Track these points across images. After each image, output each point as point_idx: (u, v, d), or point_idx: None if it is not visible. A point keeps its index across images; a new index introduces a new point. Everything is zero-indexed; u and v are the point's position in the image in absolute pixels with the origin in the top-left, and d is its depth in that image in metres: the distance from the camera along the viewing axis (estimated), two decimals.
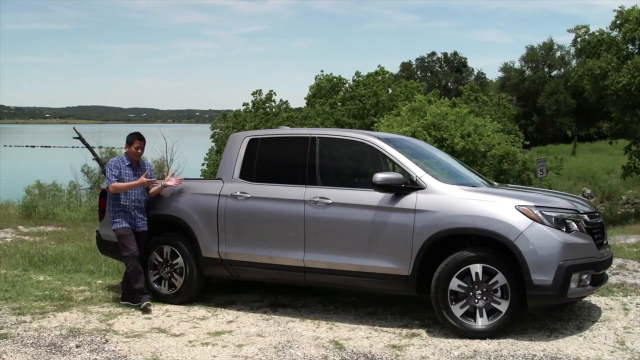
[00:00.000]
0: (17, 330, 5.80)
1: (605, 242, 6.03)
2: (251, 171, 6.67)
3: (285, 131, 7.49)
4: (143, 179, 6.73)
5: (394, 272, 5.85)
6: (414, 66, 69.92)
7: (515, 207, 5.55)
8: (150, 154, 25.47)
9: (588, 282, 5.64)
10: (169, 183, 6.88)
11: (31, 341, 5.49)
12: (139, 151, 6.89)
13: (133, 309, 6.60)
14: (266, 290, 7.29)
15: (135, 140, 6.88)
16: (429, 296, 5.78)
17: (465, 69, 68.83)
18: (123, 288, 6.86)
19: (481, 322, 5.57)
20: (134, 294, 6.65)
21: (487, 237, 5.58)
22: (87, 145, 22.58)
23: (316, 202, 6.17)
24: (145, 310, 6.45)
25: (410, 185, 5.89)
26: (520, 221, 5.47)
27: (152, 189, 6.90)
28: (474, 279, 5.58)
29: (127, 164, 6.82)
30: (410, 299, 6.66)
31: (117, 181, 6.69)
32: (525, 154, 26.35)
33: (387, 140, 6.42)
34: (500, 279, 5.52)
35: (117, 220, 6.68)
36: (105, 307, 6.71)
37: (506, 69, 67.50)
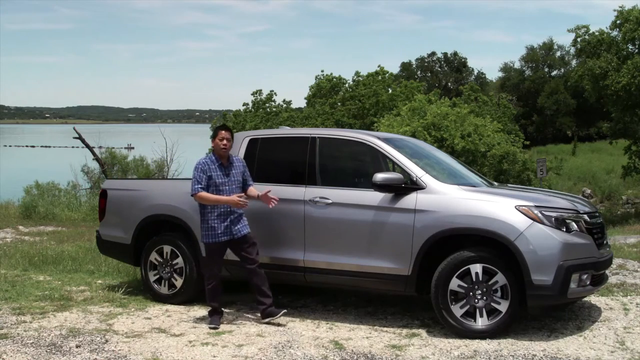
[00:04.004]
0: (17, 330, 5.80)
1: (605, 242, 6.02)
2: (251, 171, 6.65)
3: (285, 131, 7.49)
4: (234, 198, 5.90)
5: (394, 272, 5.85)
6: (414, 66, 69.90)
7: (515, 207, 5.55)
8: (150, 154, 25.52)
9: (588, 282, 5.64)
10: (264, 199, 6.13)
11: (31, 341, 5.48)
12: (225, 142, 6.08)
13: (133, 309, 6.60)
14: None
15: (220, 130, 6.13)
16: (429, 296, 5.78)
17: (465, 69, 68.82)
18: (258, 304, 6.21)
19: (481, 322, 5.57)
20: (271, 306, 6.09)
21: (487, 237, 5.58)
22: (87, 145, 22.62)
23: (316, 202, 6.17)
24: (213, 327, 5.95)
25: (410, 185, 5.90)
26: (520, 221, 5.47)
27: (249, 192, 6.20)
28: (474, 279, 5.58)
29: (217, 163, 6.10)
30: (410, 299, 6.66)
31: (203, 190, 5.97)
32: (525, 154, 26.34)
33: (387, 140, 6.42)
34: (500, 279, 5.52)
35: (207, 232, 6.03)
36: (105, 307, 6.70)
37: (506, 69, 67.52)
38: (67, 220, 14.80)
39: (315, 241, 6.17)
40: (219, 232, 6.02)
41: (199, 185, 5.99)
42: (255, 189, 6.24)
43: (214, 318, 6.08)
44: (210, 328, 5.95)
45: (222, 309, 6.24)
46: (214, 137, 6.16)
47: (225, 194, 6.01)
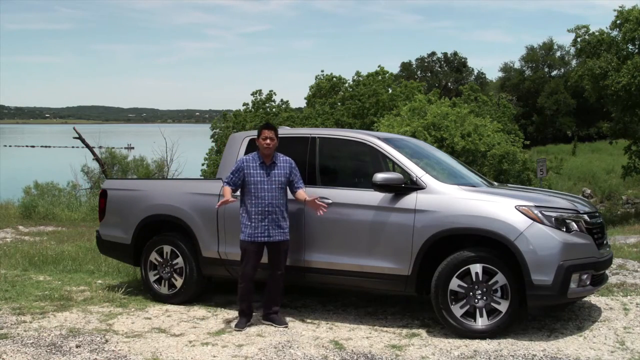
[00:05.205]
0: (17, 330, 5.80)
1: (605, 242, 6.02)
2: None
3: (285, 131, 7.47)
4: (228, 197, 5.82)
5: (394, 272, 5.85)
6: (414, 66, 69.90)
7: (515, 207, 5.55)
8: (150, 154, 25.54)
9: (588, 282, 5.64)
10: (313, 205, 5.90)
11: (31, 341, 5.48)
12: (268, 142, 5.93)
13: (133, 309, 6.60)
14: None
15: (262, 129, 5.97)
16: (429, 296, 5.78)
17: (465, 69, 68.80)
18: (264, 307, 6.15)
19: (481, 322, 5.57)
20: (276, 313, 6.07)
21: (487, 237, 5.58)
22: (87, 145, 22.64)
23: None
24: (237, 329, 5.90)
25: (410, 185, 5.90)
26: (520, 221, 5.47)
27: (297, 196, 6.03)
28: (474, 279, 5.58)
29: (258, 162, 5.98)
30: (410, 299, 6.66)
31: (232, 186, 5.95)
32: (525, 154, 26.33)
33: (387, 140, 6.42)
34: (500, 279, 5.52)
35: (244, 230, 5.95)
36: (105, 307, 6.71)
37: (506, 69, 67.52)
38: (67, 220, 14.80)
39: (315, 241, 6.17)
40: (253, 231, 5.92)
41: (227, 180, 6.01)
42: (306, 193, 6.04)
43: (240, 320, 6.02)
44: (235, 330, 5.88)
45: (252, 312, 6.12)
46: (258, 136, 6.04)
47: (263, 194, 5.91)
